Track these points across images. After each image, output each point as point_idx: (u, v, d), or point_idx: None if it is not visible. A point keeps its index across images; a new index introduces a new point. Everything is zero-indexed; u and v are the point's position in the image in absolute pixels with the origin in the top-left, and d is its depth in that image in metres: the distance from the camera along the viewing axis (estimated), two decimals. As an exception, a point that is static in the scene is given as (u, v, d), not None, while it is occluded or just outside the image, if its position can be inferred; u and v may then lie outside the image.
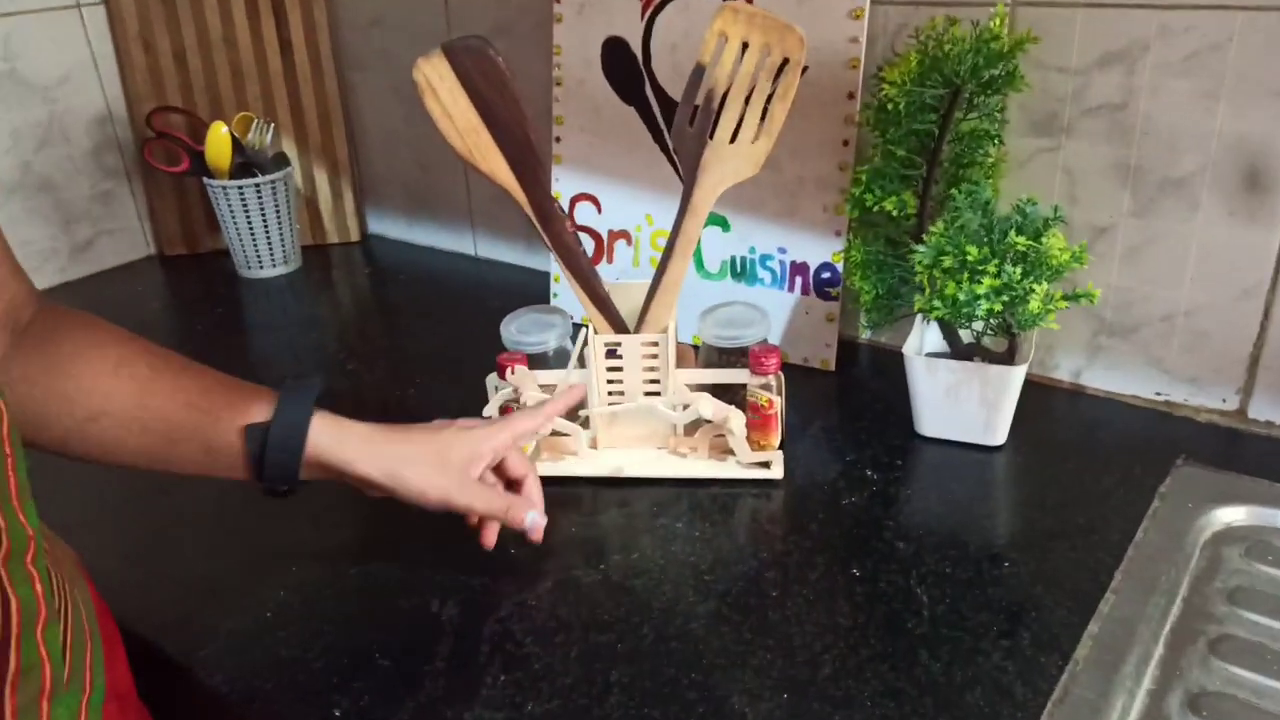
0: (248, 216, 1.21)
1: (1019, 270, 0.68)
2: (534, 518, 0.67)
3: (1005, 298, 0.67)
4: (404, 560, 0.70)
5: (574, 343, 0.80)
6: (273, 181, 1.21)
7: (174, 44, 1.24)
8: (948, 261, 0.70)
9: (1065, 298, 0.67)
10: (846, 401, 0.89)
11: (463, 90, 0.67)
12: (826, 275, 0.92)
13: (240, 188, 1.19)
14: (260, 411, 0.59)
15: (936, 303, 0.70)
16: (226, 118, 1.21)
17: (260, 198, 1.20)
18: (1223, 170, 0.74)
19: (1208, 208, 0.76)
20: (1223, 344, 0.79)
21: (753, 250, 0.95)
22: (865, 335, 0.98)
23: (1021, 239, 0.68)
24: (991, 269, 0.68)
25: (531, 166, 0.70)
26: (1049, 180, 0.82)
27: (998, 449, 0.80)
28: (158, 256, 1.34)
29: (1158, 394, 0.83)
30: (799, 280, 0.93)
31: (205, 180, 1.20)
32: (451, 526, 0.68)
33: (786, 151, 0.89)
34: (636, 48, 0.96)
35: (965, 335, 0.80)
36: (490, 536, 0.68)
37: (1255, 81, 0.71)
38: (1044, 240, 0.69)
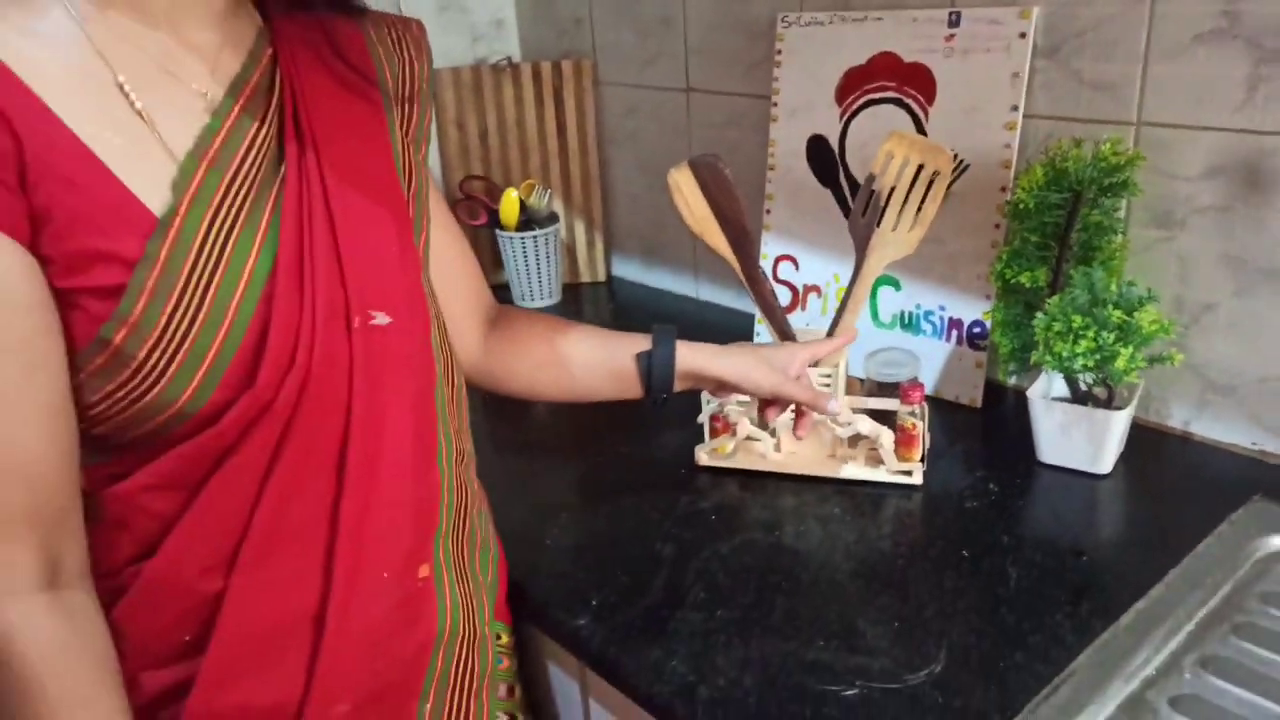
0: (525, 260, 1.57)
1: (1113, 336, 0.89)
2: (835, 404, 0.92)
3: (1098, 356, 0.88)
4: (641, 518, 1.00)
5: (768, 371, 1.07)
6: (546, 234, 1.56)
7: (479, 125, 1.63)
8: (1058, 326, 0.91)
9: (1150, 360, 0.87)
10: (986, 433, 1.11)
11: (699, 192, 0.96)
12: (977, 330, 1.14)
13: (522, 238, 1.55)
14: (643, 345, 0.89)
15: (1048, 357, 0.92)
16: (515, 184, 1.58)
17: (536, 246, 1.56)
18: (1308, 263, 0.91)
19: (1296, 293, 0.93)
20: (1309, 406, 0.95)
21: (918, 306, 1.18)
22: (1008, 380, 1.18)
23: (1118, 312, 0.89)
24: (1090, 334, 0.89)
25: (745, 246, 0.98)
26: (1165, 264, 1.01)
27: (1104, 477, 0.99)
28: (453, 286, 1.73)
29: (1254, 444, 1.00)
30: (955, 333, 1.16)
31: (497, 231, 1.57)
32: (673, 494, 0.96)
33: (950, 229, 1.13)
34: (834, 144, 1.22)
35: (1082, 384, 1.00)
36: (804, 426, 0.95)
37: (1333, 194, 0.88)
38: (1136, 315, 0.89)
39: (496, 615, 0.85)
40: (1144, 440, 1.04)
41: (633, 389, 0.89)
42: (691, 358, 0.89)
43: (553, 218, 1.59)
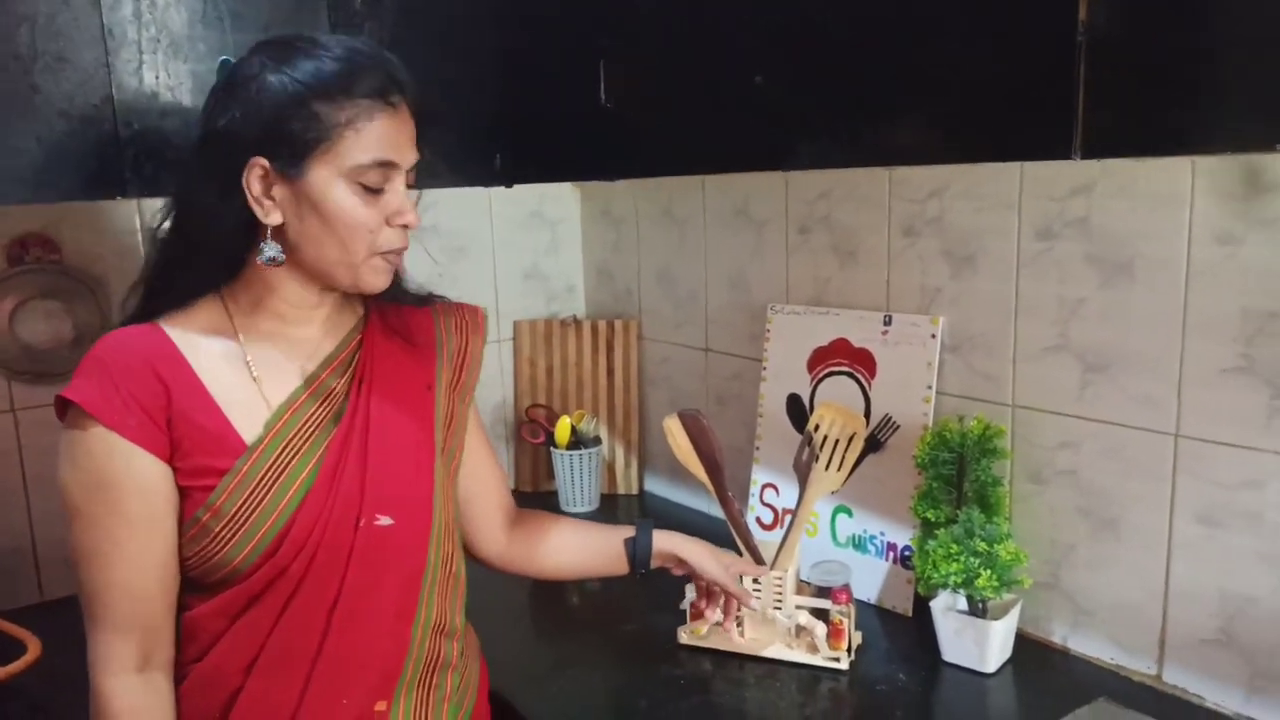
0: (572, 473, 1.95)
1: (977, 561, 1.20)
2: (756, 601, 1.23)
3: (964, 576, 1.19)
4: (628, 678, 1.30)
5: (738, 572, 1.39)
6: (590, 453, 1.94)
7: (547, 364, 2.06)
8: (941, 551, 1.23)
9: (1003, 582, 1.18)
10: (910, 635, 1.39)
11: (685, 434, 1.34)
12: (907, 553, 1.45)
13: (570, 455, 1.94)
14: (630, 533, 1.21)
15: (934, 574, 1.23)
16: (570, 412, 1.98)
17: (581, 462, 1.94)
18: (1140, 517, 1.22)
19: (1127, 540, 1.23)
20: (1143, 630, 1.22)
21: (865, 531, 1.50)
22: (929, 591, 1.47)
23: (983, 544, 1.21)
24: (961, 559, 1.20)
25: (717, 475, 1.33)
26: (1040, 512, 1.32)
27: (990, 675, 1.26)
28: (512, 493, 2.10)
29: (1111, 659, 1.27)
30: (891, 554, 1.47)
31: (551, 448, 1.97)
32: (655, 663, 1.28)
33: (887, 473, 1.46)
34: (806, 401, 1.60)
35: (976, 600, 1.30)
36: (730, 624, 1.25)
37: (1146, 466, 1.21)
38: (996, 547, 1.21)
39: None
40: (1032, 650, 1.32)
41: (621, 566, 1.22)
42: (664, 541, 1.21)
43: (597, 440, 1.98)
